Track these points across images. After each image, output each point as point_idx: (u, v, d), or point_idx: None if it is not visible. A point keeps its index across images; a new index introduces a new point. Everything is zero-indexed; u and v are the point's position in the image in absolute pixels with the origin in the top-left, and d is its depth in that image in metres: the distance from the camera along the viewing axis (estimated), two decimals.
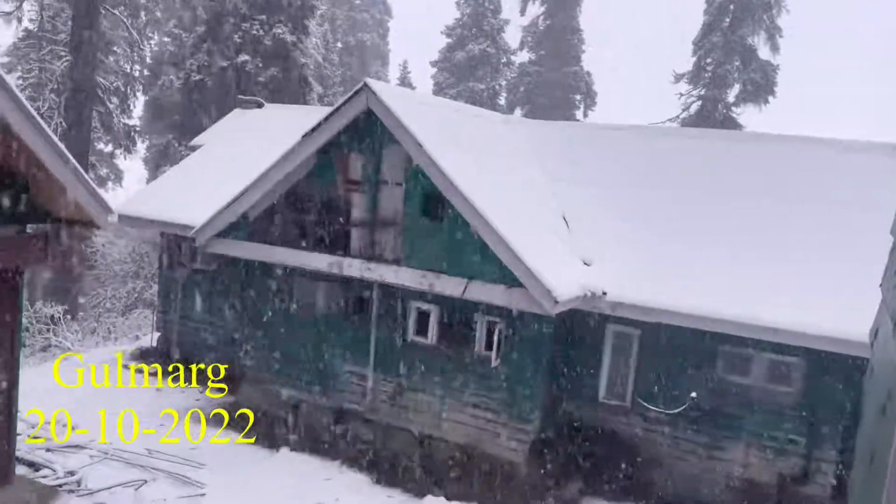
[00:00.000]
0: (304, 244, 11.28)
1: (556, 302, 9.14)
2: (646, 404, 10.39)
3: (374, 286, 11.00)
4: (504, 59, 43.59)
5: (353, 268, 10.82)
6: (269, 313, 11.94)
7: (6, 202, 7.29)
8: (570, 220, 11.40)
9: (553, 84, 41.92)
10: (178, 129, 29.09)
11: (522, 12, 43.88)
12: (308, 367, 11.68)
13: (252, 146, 14.32)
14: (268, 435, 11.52)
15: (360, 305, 11.28)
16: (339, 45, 45.95)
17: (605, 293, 10.04)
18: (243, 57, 25.99)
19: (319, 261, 11.07)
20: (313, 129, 10.74)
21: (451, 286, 10.03)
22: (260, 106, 17.72)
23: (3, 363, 7.83)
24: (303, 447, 11.25)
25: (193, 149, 16.95)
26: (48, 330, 17.18)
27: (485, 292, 9.82)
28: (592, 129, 14.58)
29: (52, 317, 17.50)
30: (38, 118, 6.88)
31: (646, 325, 10.23)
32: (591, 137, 13.22)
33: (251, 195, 11.34)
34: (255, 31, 26.17)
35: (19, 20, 33.04)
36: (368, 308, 11.18)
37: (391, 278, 10.54)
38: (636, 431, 10.55)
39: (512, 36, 43.56)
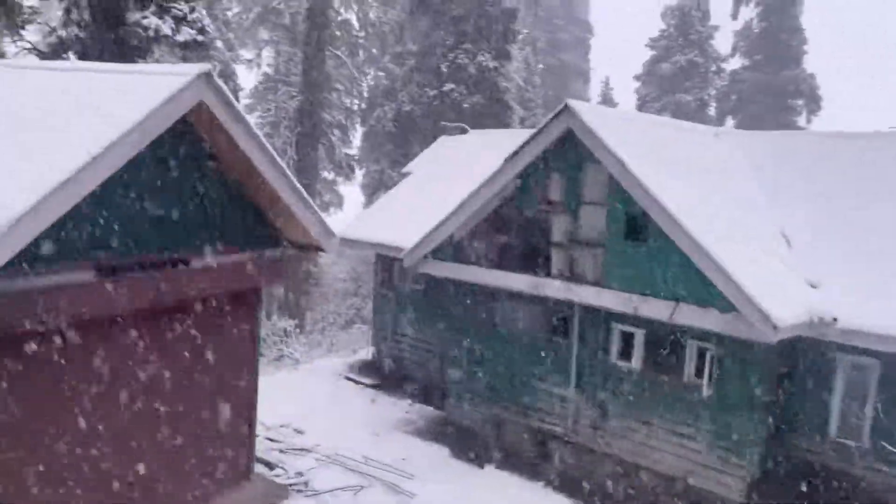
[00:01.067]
0: (506, 265, 11.52)
1: (777, 328, 8.43)
2: (889, 447, 9.18)
3: (576, 307, 10.93)
4: (713, 68, 41.33)
5: (554, 289, 10.83)
6: (473, 332, 12.33)
7: (249, 230, 8.30)
8: (792, 239, 10.48)
9: (769, 90, 38.90)
10: (391, 157, 31.15)
11: (734, 16, 41.39)
12: (511, 386, 11.86)
13: (457, 171, 14.94)
14: (473, 451, 11.85)
15: (561, 326, 11.26)
16: (541, 66, 46.41)
17: (835, 319, 9.07)
18: (449, 85, 27.25)
19: (521, 281, 11.23)
20: (515, 153, 10.97)
21: (657, 309, 9.67)
22: (464, 132, 18.44)
23: (246, 371, 8.89)
24: (507, 465, 11.42)
25: (404, 175, 18.06)
26: (281, 342, 19.12)
27: (695, 316, 9.33)
28: (814, 138, 13.28)
29: (285, 329, 19.45)
30: (276, 155, 7.78)
31: (886, 356, 9.07)
32: (813, 147, 12.04)
33: (456, 218, 11.82)
34: (459, 61, 27.34)
35: (258, 66, 37.55)
36: (570, 329, 11.12)
37: (593, 300, 10.40)
38: (876, 477, 9.36)
39: (722, 43, 41.26)
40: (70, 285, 6.10)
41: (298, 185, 8.14)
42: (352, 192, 38.42)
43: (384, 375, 15.37)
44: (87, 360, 6.68)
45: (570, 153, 10.66)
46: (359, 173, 37.76)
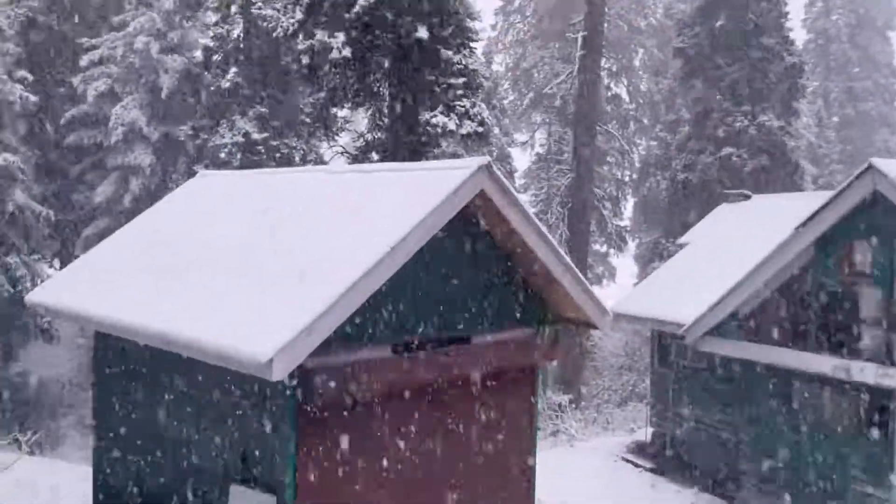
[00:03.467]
0: (801, 344, 10.36)
1: None
2: None
3: (895, 395, 9.37)
4: None
5: (865, 373, 9.44)
6: (765, 416, 11.16)
7: (525, 308, 8.60)
8: None
9: None
10: (665, 227, 30.20)
11: None
12: (811, 481, 10.42)
13: (740, 241, 13.97)
14: None
15: (876, 417, 9.71)
16: (835, 119, 42.04)
17: None
18: (728, 150, 25.88)
19: (821, 363, 9.99)
20: (809, 219, 10.00)
21: None
22: (747, 198, 17.27)
23: (525, 448, 9.03)
24: None
25: (681, 246, 17.36)
26: (556, 416, 19.14)
27: None
28: None
29: (560, 405, 19.46)
30: (550, 237, 8.04)
31: None
32: None
33: (741, 292, 11.01)
34: (738, 124, 25.93)
35: (532, 147, 39.40)
36: (888, 421, 9.53)
37: None
38: None
39: None
40: (370, 361, 6.83)
41: (572, 265, 8.27)
42: (624, 263, 37.84)
43: (664, 458, 14.51)
44: (385, 432, 7.35)
45: (878, 217, 9.41)
46: (631, 244, 37.17)
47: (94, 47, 25.29)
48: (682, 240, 17.70)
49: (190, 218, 9.21)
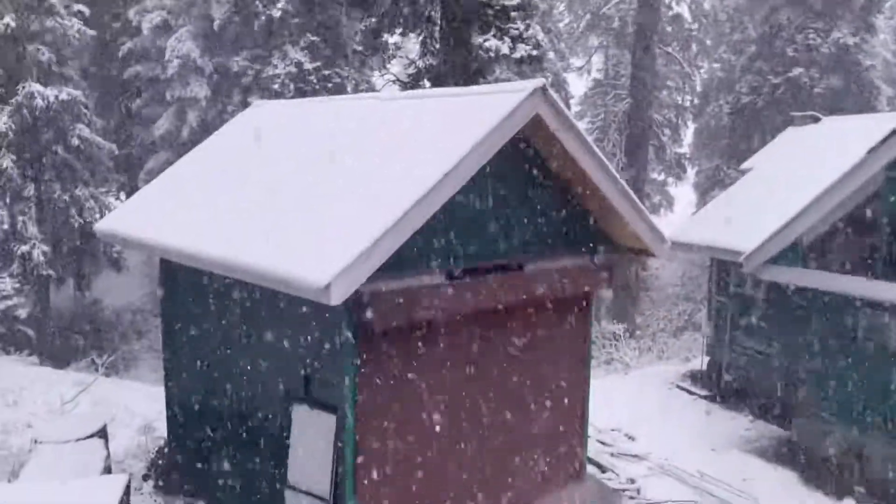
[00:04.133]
0: (868, 273, 10.00)
1: None
2: None
3: None
4: None
5: None
6: (828, 346, 10.93)
7: (580, 235, 8.50)
8: None
9: None
10: (727, 154, 29.19)
11: None
12: (877, 412, 10.24)
13: (806, 166, 13.41)
14: (829, 481, 10.51)
15: None
16: None
17: None
18: (797, 70, 24.58)
19: (888, 291, 9.64)
20: (882, 142, 9.50)
21: None
22: (816, 121, 16.45)
23: (578, 373, 9.11)
24: (873, 502, 9.91)
25: (743, 172, 16.76)
26: (610, 345, 19.19)
27: None
28: None
29: (614, 334, 19.49)
30: (606, 161, 7.85)
31: None
32: None
33: (805, 219, 10.62)
34: (809, 41, 24.49)
35: (588, 73, 38.21)
36: None
37: None
38: None
39: None
40: (425, 287, 6.90)
41: (629, 189, 8.09)
42: (683, 192, 36.90)
43: (719, 387, 14.45)
44: (441, 356, 7.50)
45: None
46: (690, 172, 36.13)
47: None
48: (744, 165, 17.08)
49: (246, 147, 9.32)
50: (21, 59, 20.33)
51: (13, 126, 19.27)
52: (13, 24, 19.51)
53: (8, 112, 19.42)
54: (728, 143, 29.11)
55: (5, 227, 19.30)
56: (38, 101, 19.56)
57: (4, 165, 18.93)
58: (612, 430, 12.32)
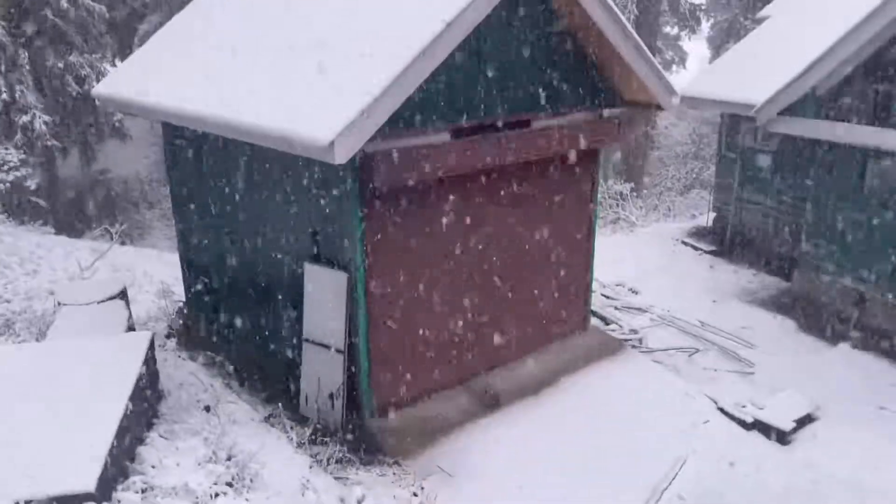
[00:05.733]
0: (884, 122, 9.81)
1: None
2: None
3: None
4: None
5: None
6: (836, 198, 10.93)
7: (588, 89, 8.30)
8: None
9: None
10: (745, 2, 27.79)
11: None
12: (873, 258, 10.41)
13: (827, 12, 12.79)
14: (825, 327, 10.88)
15: None
16: None
17: None
18: None
19: None
20: None
21: None
22: None
23: (584, 228, 9.23)
24: (866, 346, 10.29)
25: (759, 22, 16.04)
26: (617, 205, 19.23)
27: None
28: None
29: (621, 193, 19.46)
30: (615, 10, 7.51)
31: None
32: None
33: (821, 67, 10.29)
34: None
35: None
36: None
37: None
38: None
39: None
40: (431, 146, 6.85)
41: (639, 40, 7.80)
42: (697, 47, 35.51)
43: (724, 242, 14.64)
44: (450, 212, 7.57)
45: None
46: (705, 26, 34.54)
47: None
48: (761, 13, 16.31)
49: (240, 4, 8.92)
50: None
51: None
52: None
53: None
54: None
55: (4, 97, 18.93)
56: None
57: None
58: (617, 284, 12.63)
